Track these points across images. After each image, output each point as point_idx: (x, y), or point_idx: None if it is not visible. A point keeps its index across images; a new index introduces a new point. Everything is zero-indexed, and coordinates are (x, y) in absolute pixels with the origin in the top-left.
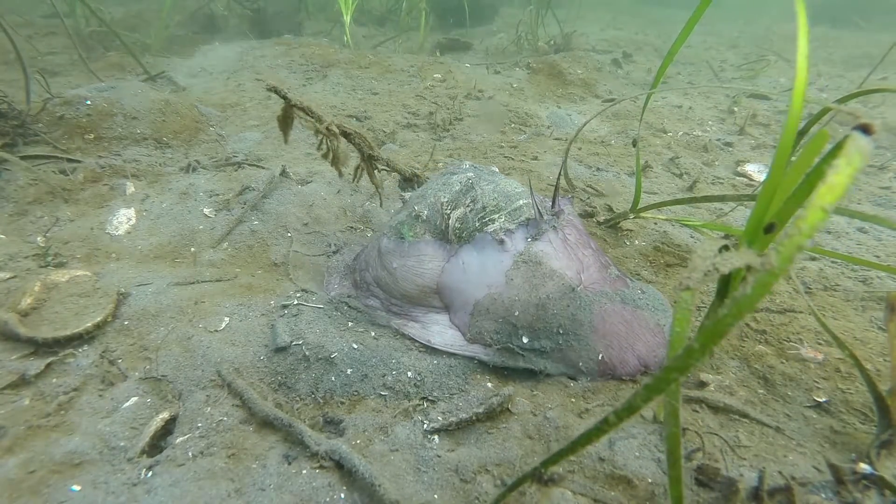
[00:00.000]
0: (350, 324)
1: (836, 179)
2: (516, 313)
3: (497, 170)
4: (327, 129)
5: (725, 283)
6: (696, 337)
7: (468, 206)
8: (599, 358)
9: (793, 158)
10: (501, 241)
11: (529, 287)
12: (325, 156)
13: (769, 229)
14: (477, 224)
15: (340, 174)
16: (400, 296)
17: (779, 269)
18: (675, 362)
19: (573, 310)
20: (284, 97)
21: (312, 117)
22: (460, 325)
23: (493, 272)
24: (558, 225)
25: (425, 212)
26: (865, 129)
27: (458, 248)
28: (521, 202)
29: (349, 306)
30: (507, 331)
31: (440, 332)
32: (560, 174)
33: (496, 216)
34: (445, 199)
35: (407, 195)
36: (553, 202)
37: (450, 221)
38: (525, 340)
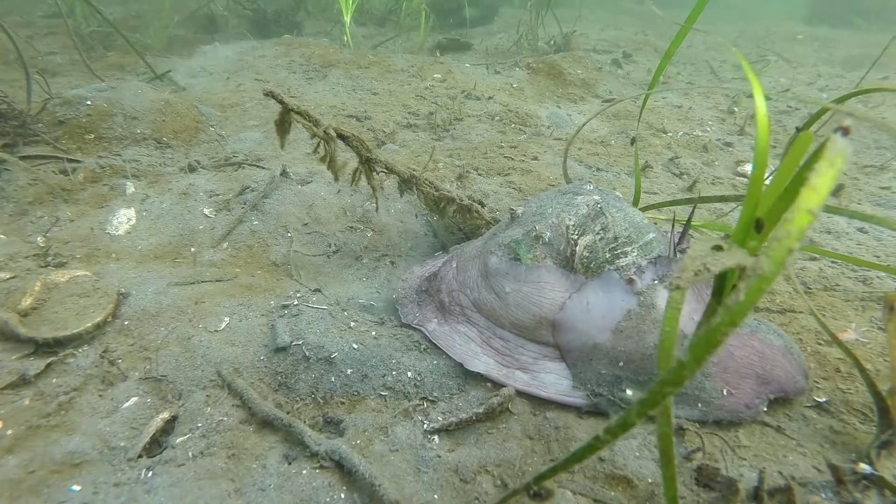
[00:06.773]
0: (352, 324)
1: (819, 182)
2: (621, 364)
3: (620, 195)
4: (324, 132)
5: (720, 283)
6: (688, 349)
7: (598, 233)
8: (724, 393)
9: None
10: (631, 281)
11: (638, 336)
12: (322, 159)
13: (758, 228)
14: (607, 255)
15: (337, 178)
16: (509, 325)
17: (770, 274)
18: (669, 376)
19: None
20: (281, 102)
21: (310, 121)
22: (570, 368)
23: (617, 316)
24: None
25: (548, 233)
26: (844, 132)
27: (583, 284)
28: (650, 235)
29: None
30: (611, 381)
31: (555, 382)
32: (692, 211)
33: (628, 249)
34: (572, 223)
35: (519, 210)
36: (682, 237)
37: (577, 248)
38: (629, 393)
